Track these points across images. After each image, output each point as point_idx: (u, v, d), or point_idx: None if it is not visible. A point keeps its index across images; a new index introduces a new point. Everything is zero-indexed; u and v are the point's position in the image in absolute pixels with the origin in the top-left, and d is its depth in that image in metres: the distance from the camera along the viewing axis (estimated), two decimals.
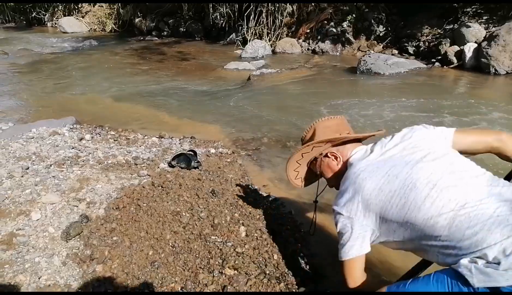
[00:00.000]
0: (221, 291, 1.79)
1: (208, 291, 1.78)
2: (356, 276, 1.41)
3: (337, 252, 1.45)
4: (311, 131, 1.65)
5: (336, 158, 1.58)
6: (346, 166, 1.54)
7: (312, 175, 1.76)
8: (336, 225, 1.43)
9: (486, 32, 7.14)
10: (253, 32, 10.23)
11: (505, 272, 1.05)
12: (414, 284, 1.26)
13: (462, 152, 1.39)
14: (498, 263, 1.07)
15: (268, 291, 1.81)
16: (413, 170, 1.28)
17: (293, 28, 10.44)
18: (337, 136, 1.56)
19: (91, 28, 15.59)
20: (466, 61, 6.97)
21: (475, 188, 1.21)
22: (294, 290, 1.85)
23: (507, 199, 1.17)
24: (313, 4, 9.94)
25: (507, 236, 1.09)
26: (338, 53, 9.27)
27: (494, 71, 6.50)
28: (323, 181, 1.74)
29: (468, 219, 1.15)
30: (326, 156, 1.61)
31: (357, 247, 1.36)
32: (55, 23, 16.55)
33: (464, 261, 1.13)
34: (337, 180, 1.58)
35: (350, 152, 1.55)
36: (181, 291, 1.81)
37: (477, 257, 1.11)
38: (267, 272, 1.96)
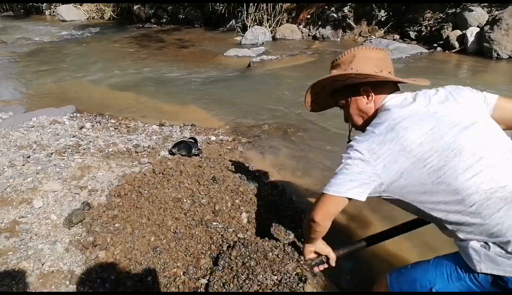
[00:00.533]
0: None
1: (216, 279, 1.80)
2: (329, 215, 1.30)
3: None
4: (349, 57, 1.39)
5: (368, 96, 1.37)
6: (377, 108, 1.36)
7: (328, 103, 1.56)
8: (344, 157, 1.25)
9: (489, 16, 7.05)
10: (253, 19, 10.12)
11: None
12: (414, 270, 1.27)
13: (499, 121, 1.27)
14: None
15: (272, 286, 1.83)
16: (460, 135, 1.15)
17: (293, 14, 10.33)
18: (377, 73, 1.32)
19: (89, 16, 15.45)
20: (468, 45, 6.91)
21: None
22: (295, 281, 1.87)
23: None
24: None
25: None
26: (339, 39, 9.18)
27: (496, 55, 6.44)
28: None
29: (503, 203, 1.07)
30: (357, 91, 1.38)
31: (355, 189, 1.20)
32: (53, 12, 16.41)
33: (476, 244, 1.10)
34: (361, 120, 1.42)
35: (385, 96, 1.35)
36: (181, 288, 1.83)
37: (494, 243, 1.07)
38: (268, 258, 1.98)
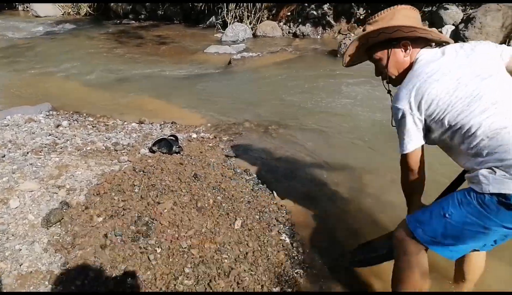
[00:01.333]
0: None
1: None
2: (417, 167, 1.52)
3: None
4: (389, 14, 1.53)
5: (406, 49, 1.53)
6: (412, 61, 1.53)
7: (362, 58, 1.70)
8: (395, 120, 1.49)
9: (464, 14, 7.25)
10: (233, 15, 10.07)
11: None
12: (428, 206, 1.49)
13: (510, 72, 1.48)
14: None
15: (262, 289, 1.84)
16: (482, 84, 1.37)
17: (273, 11, 10.34)
18: (421, 26, 1.50)
19: (64, 12, 15.01)
20: None
21: None
22: (280, 271, 1.90)
23: None
24: None
25: None
26: (319, 37, 9.26)
27: None
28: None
29: (509, 136, 1.28)
30: (398, 44, 1.53)
31: (417, 140, 1.46)
32: (27, 7, 15.86)
33: (484, 171, 1.30)
34: (397, 72, 1.58)
35: (418, 50, 1.53)
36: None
37: (499, 167, 1.27)
38: (251, 250, 2.00)
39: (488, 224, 1.30)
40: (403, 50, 1.53)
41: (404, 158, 1.52)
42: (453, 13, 7.28)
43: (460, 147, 1.40)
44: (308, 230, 2.31)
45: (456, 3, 7.57)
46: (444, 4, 7.59)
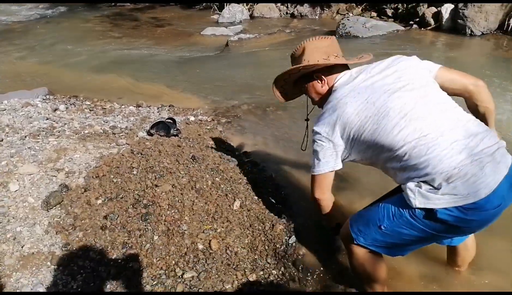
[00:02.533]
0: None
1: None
2: (325, 189, 1.60)
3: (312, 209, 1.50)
4: (300, 50, 1.63)
5: (321, 80, 1.62)
6: (331, 89, 1.60)
7: (296, 91, 1.80)
8: (313, 140, 1.55)
9: None
10: None
11: (442, 196, 1.26)
12: (367, 212, 1.52)
13: (440, 88, 1.47)
14: (439, 188, 1.26)
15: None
16: (389, 99, 1.38)
17: None
18: (324, 62, 1.57)
19: None
20: (443, 22, 7.01)
21: (442, 122, 1.33)
22: (281, 255, 1.93)
23: (469, 134, 1.30)
24: None
25: (453, 167, 1.25)
26: (317, 17, 9.15)
27: (470, 32, 6.57)
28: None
29: (426, 149, 1.29)
30: (312, 77, 1.63)
31: (331, 163, 1.53)
32: None
33: (411, 184, 1.32)
34: (320, 101, 1.66)
35: (336, 76, 1.59)
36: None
37: (424, 182, 1.30)
38: (251, 232, 2.03)
39: (424, 233, 1.35)
40: (319, 81, 1.62)
41: (315, 178, 1.59)
42: None
43: (385, 164, 1.43)
44: (305, 210, 2.33)
45: None
46: None
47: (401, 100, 1.36)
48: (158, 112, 3.83)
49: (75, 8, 11.83)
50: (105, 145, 2.91)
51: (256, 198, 2.31)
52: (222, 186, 2.34)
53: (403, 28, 7.38)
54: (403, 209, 1.35)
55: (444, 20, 6.99)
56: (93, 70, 5.56)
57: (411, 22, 7.57)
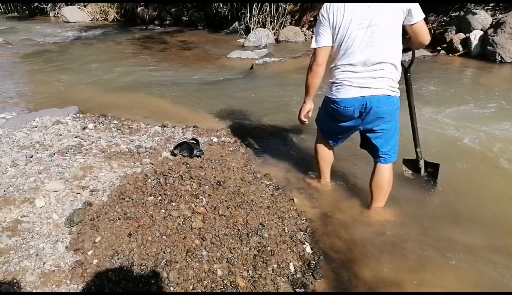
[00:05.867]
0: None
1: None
2: (320, 60, 2.25)
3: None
4: None
5: None
6: None
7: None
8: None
9: (493, 19, 7.03)
10: (256, 21, 10.13)
11: (336, 90, 2.25)
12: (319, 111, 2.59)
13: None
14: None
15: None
16: (357, 30, 2.11)
17: (296, 16, 10.34)
18: None
19: (93, 18, 15.51)
20: (472, 49, 6.89)
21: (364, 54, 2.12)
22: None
23: (367, 63, 2.13)
24: None
25: (336, 81, 2.25)
26: None
27: (500, 59, 6.41)
28: None
29: (350, 67, 2.17)
30: None
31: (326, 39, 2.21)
32: (58, 13, 16.51)
33: (332, 84, 2.29)
34: None
35: None
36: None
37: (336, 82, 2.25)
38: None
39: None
40: None
41: (315, 51, 2.24)
42: (481, 18, 7.07)
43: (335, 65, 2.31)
44: (328, 238, 2.27)
45: (485, 8, 7.35)
46: (472, 8, 7.39)
47: (359, 34, 2.11)
48: (182, 132, 3.88)
49: (108, 30, 12.36)
50: (130, 164, 2.96)
51: (274, 222, 2.27)
52: (242, 210, 2.32)
53: (430, 53, 7.29)
54: (329, 100, 2.37)
55: (473, 46, 6.86)
56: (122, 90, 5.73)
57: (439, 48, 7.47)
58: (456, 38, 7.24)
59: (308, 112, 2.52)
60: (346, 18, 2.07)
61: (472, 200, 2.67)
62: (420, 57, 7.08)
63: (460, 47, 7.14)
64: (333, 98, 2.25)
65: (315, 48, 2.22)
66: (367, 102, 2.14)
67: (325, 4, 2.16)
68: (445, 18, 7.98)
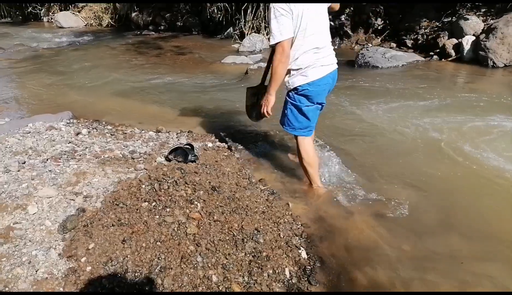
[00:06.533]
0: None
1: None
2: (288, 52, 2.40)
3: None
4: None
5: None
6: None
7: None
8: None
9: (484, 24, 7.12)
10: (251, 26, 10.17)
11: (310, 73, 2.50)
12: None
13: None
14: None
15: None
16: (310, 21, 2.41)
17: None
18: None
19: (87, 23, 15.47)
20: (464, 54, 6.96)
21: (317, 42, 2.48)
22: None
23: (325, 44, 2.55)
24: None
25: (307, 65, 2.50)
26: (336, 47, 9.23)
27: (492, 64, 6.49)
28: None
29: (312, 52, 2.47)
30: None
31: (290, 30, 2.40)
32: (51, 18, 16.43)
33: (294, 72, 2.54)
34: None
35: None
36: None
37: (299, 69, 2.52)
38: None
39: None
40: None
41: (281, 44, 2.35)
42: (473, 24, 7.16)
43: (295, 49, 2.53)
44: (324, 242, 2.27)
45: (477, 13, 7.45)
46: (464, 14, 7.48)
47: (312, 23, 2.43)
48: (177, 138, 3.87)
49: (102, 36, 12.33)
50: (124, 170, 2.94)
51: (270, 227, 2.27)
52: (236, 215, 2.31)
53: (423, 59, 7.36)
54: (295, 90, 2.63)
55: (465, 51, 6.94)
56: (116, 95, 5.71)
57: (431, 53, 7.54)
58: (449, 43, 7.32)
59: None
60: (304, 8, 2.37)
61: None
62: (413, 62, 7.16)
63: (452, 52, 7.22)
64: (311, 81, 2.49)
65: (280, 41, 2.35)
66: (333, 77, 2.61)
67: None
68: (437, 23, 8.07)
